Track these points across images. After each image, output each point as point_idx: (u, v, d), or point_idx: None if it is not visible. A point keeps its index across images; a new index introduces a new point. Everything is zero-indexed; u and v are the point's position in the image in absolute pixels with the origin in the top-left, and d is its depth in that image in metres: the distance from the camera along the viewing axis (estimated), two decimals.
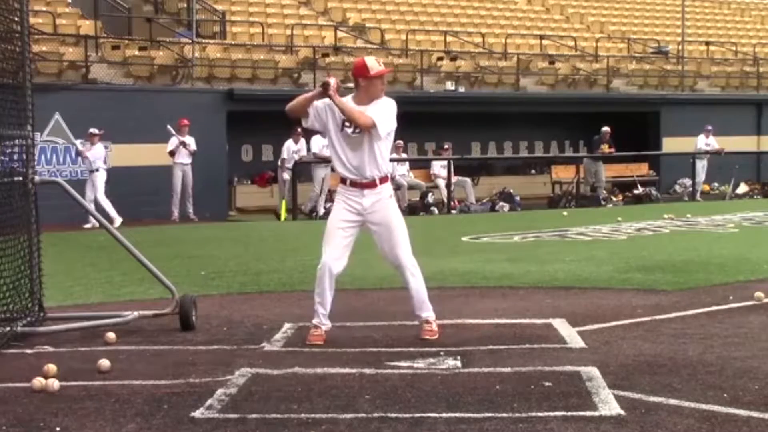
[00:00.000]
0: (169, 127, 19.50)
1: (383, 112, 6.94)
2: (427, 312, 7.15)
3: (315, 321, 7.05)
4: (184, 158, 19.82)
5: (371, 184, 6.99)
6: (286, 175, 21.06)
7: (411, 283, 7.09)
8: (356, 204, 7.00)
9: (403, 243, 7.04)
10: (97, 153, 18.53)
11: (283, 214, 20.57)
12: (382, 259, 7.28)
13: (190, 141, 19.82)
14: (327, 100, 6.94)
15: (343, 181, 7.10)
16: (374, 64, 7.03)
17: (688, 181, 25.88)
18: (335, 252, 6.97)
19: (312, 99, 7.01)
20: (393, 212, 7.10)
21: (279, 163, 21.59)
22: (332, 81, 6.91)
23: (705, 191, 25.28)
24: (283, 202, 20.86)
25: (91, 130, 18.48)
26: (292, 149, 21.09)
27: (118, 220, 17.65)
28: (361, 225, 7.06)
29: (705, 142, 25.11)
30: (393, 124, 7.03)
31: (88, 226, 16.90)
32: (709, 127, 25.09)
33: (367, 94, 6.99)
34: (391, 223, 7.03)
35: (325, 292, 7.01)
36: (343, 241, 6.99)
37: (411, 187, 23.16)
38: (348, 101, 7.00)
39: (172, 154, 19.71)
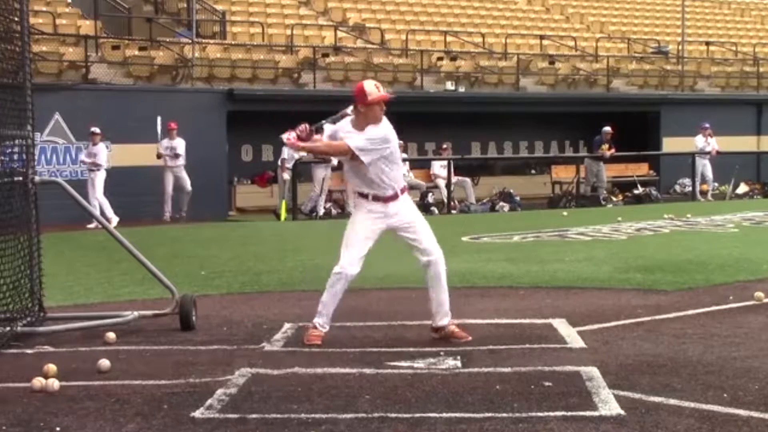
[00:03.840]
0: (159, 129, 19.48)
1: (367, 138, 6.94)
2: (449, 316, 7.13)
3: (318, 321, 7.01)
4: (173, 161, 19.86)
5: (393, 197, 7.07)
6: (286, 175, 21.03)
7: (443, 278, 7.05)
8: (380, 212, 7.04)
9: (432, 234, 7.11)
10: (100, 152, 18.61)
11: (283, 214, 20.55)
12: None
13: (179, 143, 19.81)
14: (332, 129, 7.03)
15: (364, 196, 7.11)
16: (372, 89, 6.99)
17: (688, 181, 25.80)
18: (355, 258, 6.98)
19: (306, 149, 7.23)
20: (415, 208, 7.25)
21: (279, 163, 21.55)
22: (285, 136, 6.95)
23: (704, 191, 25.14)
24: (283, 202, 20.83)
25: (93, 129, 18.52)
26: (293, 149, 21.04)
27: (114, 220, 17.66)
28: (383, 233, 7.08)
29: (705, 141, 24.58)
30: (378, 148, 6.97)
31: (91, 226, 16.89)
32: (707, 125, 24.52)
33: (366, 119, 7.00)
34: (418, 217, 7.16)
35: (338, 296, 7.01)
36: (365, 249, 7.01)
37: (411, 187, 22.98)
38: (346, 124, 7.05)
39: (159, 156, 19.69)
